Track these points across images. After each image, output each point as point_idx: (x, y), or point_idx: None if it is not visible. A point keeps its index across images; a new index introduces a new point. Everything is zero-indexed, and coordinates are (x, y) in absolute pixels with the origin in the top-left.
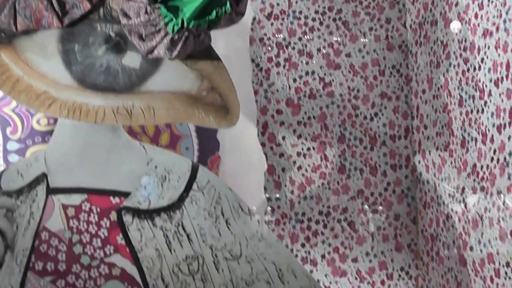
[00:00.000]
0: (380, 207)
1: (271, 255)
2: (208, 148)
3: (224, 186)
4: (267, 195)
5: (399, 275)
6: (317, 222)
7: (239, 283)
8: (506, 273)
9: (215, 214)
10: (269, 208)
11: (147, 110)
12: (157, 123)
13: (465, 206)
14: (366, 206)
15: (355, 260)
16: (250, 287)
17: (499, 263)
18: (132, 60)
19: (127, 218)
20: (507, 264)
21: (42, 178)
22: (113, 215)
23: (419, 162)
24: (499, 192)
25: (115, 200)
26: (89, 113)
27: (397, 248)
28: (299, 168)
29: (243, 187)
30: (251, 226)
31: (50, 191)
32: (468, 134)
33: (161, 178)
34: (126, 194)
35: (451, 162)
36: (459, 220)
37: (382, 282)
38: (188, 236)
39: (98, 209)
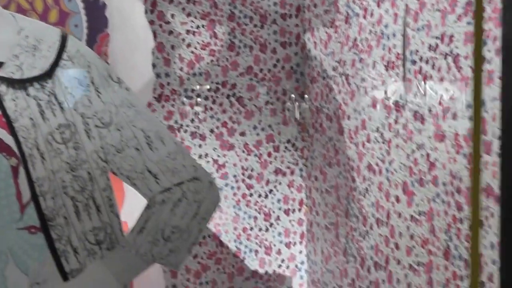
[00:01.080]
0: (269, 83)
1: (140, 122)
2: (97, 25)
3: (93, 55)
4: (157, 72)
5: (286, 147)
6: (206, 98)
7: (110, 149)
8: (375, 137)
9: (85, 82)
10: (158, 84)
11: None
12: None
13: (346, 79)
14: (254, 82)
15: (243, 134)
16: (121, 153)
17: (370, 129)
18: None
19: (1, 88)
20: (377, 129)
21: None
22: None
23: (308, 39)
24: (374, 62)
25: None
26: None
27: (284, 122)
28: (189, 45)
29: (132, 63)
30: (120, 94)
31: None
32: (352, 10)
33: (32, 47)
34: None
35: (336, 38)
36: (339, 92)
37: (269, 154)
38: (60, 105)
39: None
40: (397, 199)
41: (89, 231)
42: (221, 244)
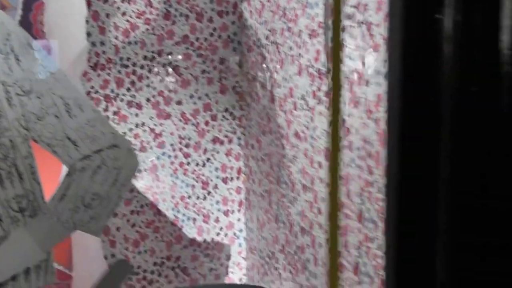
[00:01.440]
0: (205, 52)
1: (59, 90)
2: None
3: (13, 23)
4: (92, 40)
5: (223, 116)
6: (142, 67)
7: (31, 117)
8: (301, 105)
9: (5, 50)
10: (94, 53)
11: None
12: None
13: (276, 47)
14: (191, 51)
15: (179, 102)
16: (41, 120)
17: (297, 97)
18: None
19: None
20: (302, 97)
21: None
22: None
23: (245, 8)
24: (300, 31)
25: None
26: None
27: (222, 91)
28: (124, 14)
29: (67, 32)
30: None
31: None
32: None
33: None
34: None
35: (268, 7)
36: (271, 60)
37: (206, 123)
38: None
39: None
40: (320, 165)
41: (12, 199)
42: (159, 212)
